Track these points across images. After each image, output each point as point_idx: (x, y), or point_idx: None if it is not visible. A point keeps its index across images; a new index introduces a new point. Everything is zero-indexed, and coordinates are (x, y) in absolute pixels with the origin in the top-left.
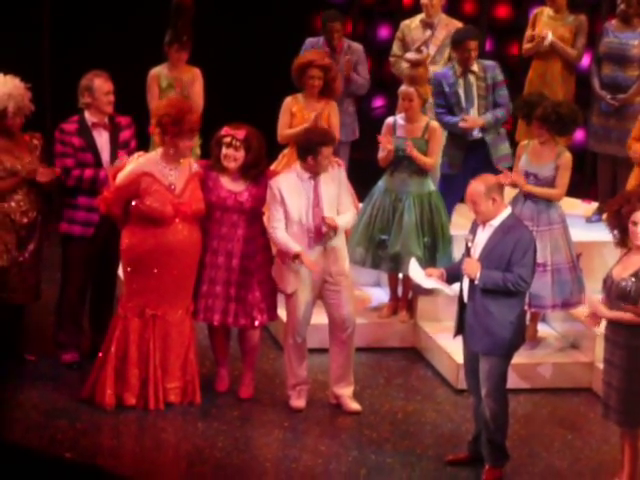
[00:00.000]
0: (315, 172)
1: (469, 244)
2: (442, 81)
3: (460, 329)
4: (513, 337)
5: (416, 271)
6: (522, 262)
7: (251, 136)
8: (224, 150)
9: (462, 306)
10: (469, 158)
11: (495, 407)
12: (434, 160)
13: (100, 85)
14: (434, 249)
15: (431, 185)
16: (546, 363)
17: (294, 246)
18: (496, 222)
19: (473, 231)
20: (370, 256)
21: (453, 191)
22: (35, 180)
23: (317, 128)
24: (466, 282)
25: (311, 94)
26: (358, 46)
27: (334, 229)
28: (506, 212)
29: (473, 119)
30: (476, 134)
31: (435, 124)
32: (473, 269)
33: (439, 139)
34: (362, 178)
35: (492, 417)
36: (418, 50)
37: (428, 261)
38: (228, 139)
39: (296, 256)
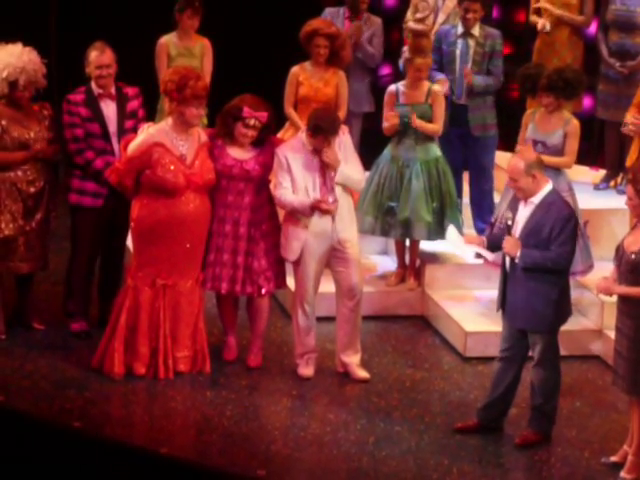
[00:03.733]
0: (315, 149)
1: (509, 222)
2: (442, 38)
3: (503, 302)
4: (556, 313)
5: (454, 237)
6: (561, 240)
7: (270, 116)
8: (243, 129)
9: (505, 279)
10: (456, 124)
11: (543, 376)
12: (439, 126)
13: (93, 58)
14: (442, 215)
15: (437, 151)
16: None
17: (306, 200)
18: (537, 199)
19: (513, 208)
20: (379, 224)
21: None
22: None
23: (328, 114)
24: (508, 259)
25: (318, 63)
26: (377, 19)
27: (334, 168)
28: (547, 188)
29: (469, 71)
30: (463, 100)
31: (437, 87)
32: (513, 248)
33: (442, 103)
34: (373, 148)
35: (540, 386)
36: (421, 21)
37: (436, 227)
38: (252, 121)
39: (315, 206)
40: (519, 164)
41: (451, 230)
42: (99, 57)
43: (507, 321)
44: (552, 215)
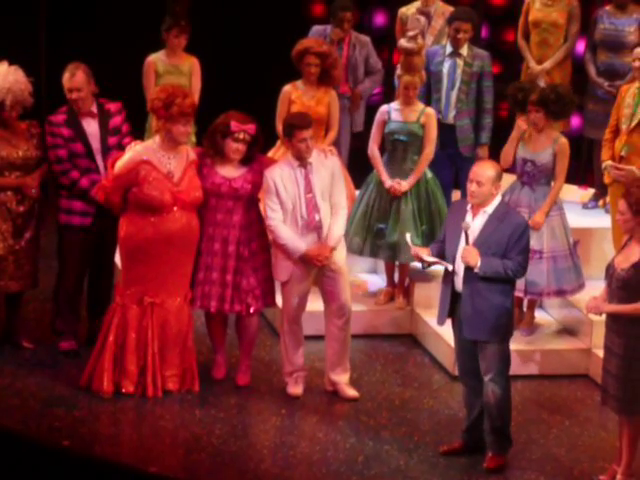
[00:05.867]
0: (297, 157)
1: (468, 232)
2: (430, 59)
3: (449, 315)
4: (509, 322)
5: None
6: (519, 249)
7: (258, 128)
8: (234, 144)
9: (452, 292)
10: (444, 145)
11: (499, 392)
12: (430, 149)
13: (65, 81)
14: (432, 236)
15: (427, 172)
16: (543, 350)
17: (299, 246)
18: (489, 209)
19: (461, 217)
20: (368, 245)
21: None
22: (30, 171)
23: (297, 112)
24: (461, 269)
25: (309, 81)
26: (365, 38)
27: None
28: (497, 199)
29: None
30: (450, 119)
31: (431, 110)
32: (473, 257)
33: (434, 126)
34: (362, 167)
35: (496, 403)
36: (411, 39)
37: None
38: (241, 135)
39: (306, 259)
40: (490, 171)
41: (408, 237)
42: (69, 80)
43: (460, 335)
44: (509, 224)
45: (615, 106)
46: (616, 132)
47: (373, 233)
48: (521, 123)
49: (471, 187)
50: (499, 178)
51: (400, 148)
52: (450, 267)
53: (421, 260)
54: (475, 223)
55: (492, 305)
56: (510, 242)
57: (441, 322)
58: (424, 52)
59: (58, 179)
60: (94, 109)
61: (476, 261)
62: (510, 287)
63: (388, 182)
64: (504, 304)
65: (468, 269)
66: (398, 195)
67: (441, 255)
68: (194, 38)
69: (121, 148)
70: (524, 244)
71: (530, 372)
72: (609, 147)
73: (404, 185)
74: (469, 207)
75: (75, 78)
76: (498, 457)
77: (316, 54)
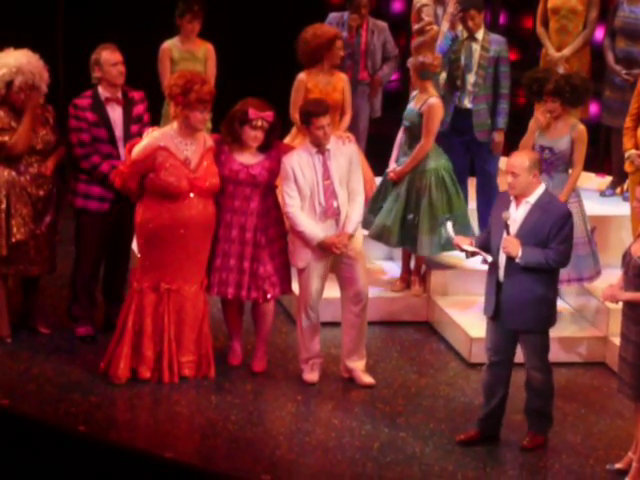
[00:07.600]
0: (316, 144)
1: (508, 222)
2: (444, 47)
3: (497, 305)
4: (551, 312)
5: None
6: (561, 237)
7: (276, 116)
8: (252, 132)
9: (497, 281)
10: (459, 131)
11: (542, 378)
12: (426, 142)
13: (107, 57)
14: (416, 228)
15: (430, 163)
16: (560, 337)
17: (317, 233)
18: (532, 199)
19: (505, 208)
20: (373, 225)
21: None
22: (49, 156)
23: (313, 99)
24: (503, 260)
25: (331, 67)
26: (383, 24)
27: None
28: (541, 188)
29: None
30: (465, 104)
31: (434, 101)
32: (515, 247)
33: (433, 117)
34: (381, 153)
35: (538, 386)
36: (420, 31)
37: (404, 238)
38: (259, 122)
39: (324, 247)
40: (525, 160)
41: (449, 226)
42: (113, 54)
43: (500, 324)
44: (552, 214)
45: (635, 94)
46: (637, 120)
47: (376, 210)
48: (540, 116)
49: (508, 179)
50: (535, 166)
51: (406, 133)
52: (490, 258)
53: (462, 250)
54: (518, 213)
55: (533, 296)
56: (552, 232)
57: (488, 313)
58: (433, 38)
59: (78, 163)
60: (119, 95)
61: (517, 251)
62: (552, 278)
63: (390, 167)
64: (546, 295)
65: (509, 260)
66: (394, 181)
67: (486, 245)
68: (210, 24)
69: (141, 136)
70: (566, 233)
71: None
72: (631, 135)
73: (396, 171)
74: (512, 197)
75: (117, 53)
76: (537, 437)
77: (342, 39)
